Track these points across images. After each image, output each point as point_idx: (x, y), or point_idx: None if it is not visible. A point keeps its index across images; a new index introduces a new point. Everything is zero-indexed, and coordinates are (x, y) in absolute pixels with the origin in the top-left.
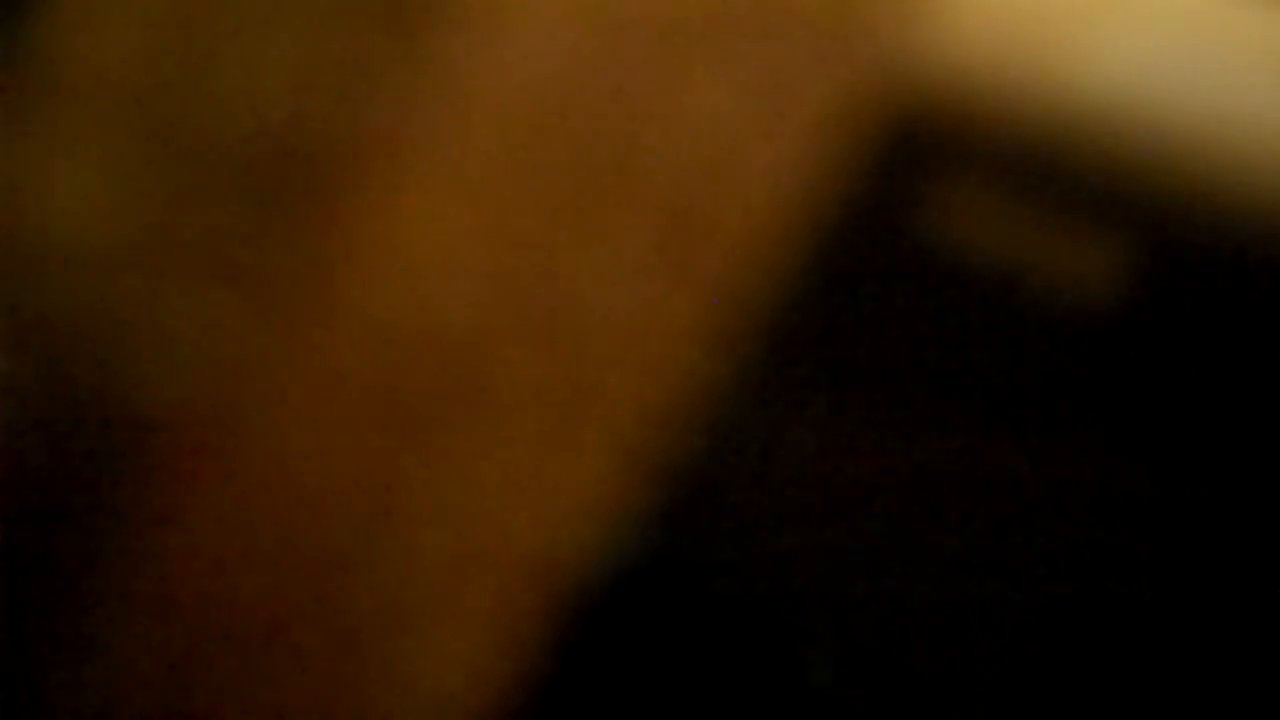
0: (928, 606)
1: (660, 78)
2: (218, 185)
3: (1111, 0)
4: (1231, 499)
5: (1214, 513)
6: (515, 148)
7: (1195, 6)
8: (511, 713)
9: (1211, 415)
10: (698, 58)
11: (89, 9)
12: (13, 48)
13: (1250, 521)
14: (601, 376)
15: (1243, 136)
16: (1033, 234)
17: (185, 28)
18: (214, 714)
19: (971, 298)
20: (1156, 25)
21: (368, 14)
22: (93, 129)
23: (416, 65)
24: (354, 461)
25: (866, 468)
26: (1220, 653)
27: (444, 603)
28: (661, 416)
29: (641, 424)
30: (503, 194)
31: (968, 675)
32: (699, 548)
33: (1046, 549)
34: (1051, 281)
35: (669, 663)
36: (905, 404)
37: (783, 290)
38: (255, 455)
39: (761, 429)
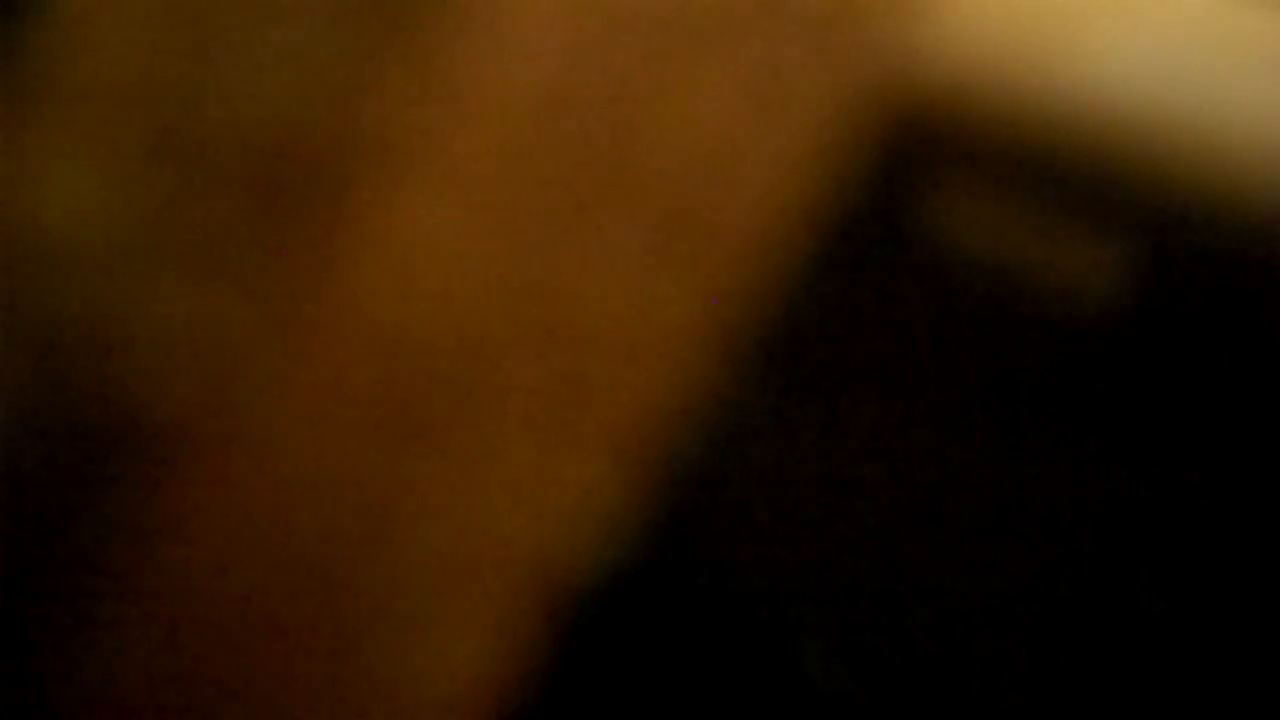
0: (926, 605)
1: (660, 77)
2: (218, 185)
3: (1111, 0)
4: (1232, 499)
5: (1214, 512)
6: (515, 147)
7: (1195, 6)
8: (511, 712)
9: (1211, 415)
10: (698, 57)
11: (89, 9)
12: (13, 48)
13: (1250, 521)
14: (601, 376)
15: (1242, 136)
16: (1032, 234)
17: (185, 28)
18: (213, 713)
19: (971, 298)
20: (1156, 25)
21: (367, 13)
22: (93, 128)
23: (416, 65)
24: (354, 461)
25: (866, 468)
26: (1220, 653)
27: (444, 603)
28: (661, 416)
29: (641, 424)
30: (502, 194)
31: (966, 673)
32: (699, 548)
33: (1044, 547)
34: (1051, 281)
35: (668, 662)
36: (905, 404)
37: (783, 290)
38: (255, 455)
39: (761, 429)
